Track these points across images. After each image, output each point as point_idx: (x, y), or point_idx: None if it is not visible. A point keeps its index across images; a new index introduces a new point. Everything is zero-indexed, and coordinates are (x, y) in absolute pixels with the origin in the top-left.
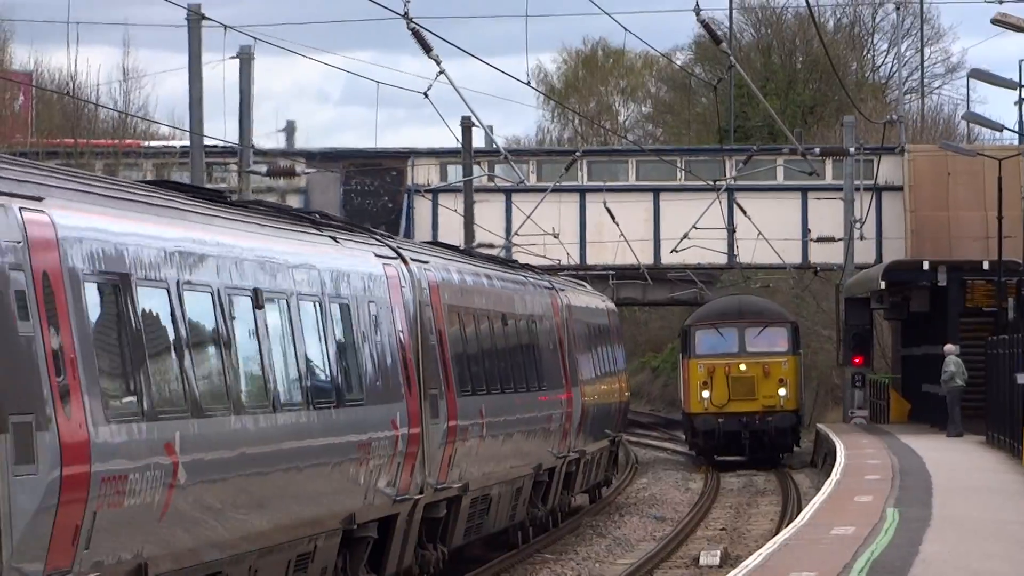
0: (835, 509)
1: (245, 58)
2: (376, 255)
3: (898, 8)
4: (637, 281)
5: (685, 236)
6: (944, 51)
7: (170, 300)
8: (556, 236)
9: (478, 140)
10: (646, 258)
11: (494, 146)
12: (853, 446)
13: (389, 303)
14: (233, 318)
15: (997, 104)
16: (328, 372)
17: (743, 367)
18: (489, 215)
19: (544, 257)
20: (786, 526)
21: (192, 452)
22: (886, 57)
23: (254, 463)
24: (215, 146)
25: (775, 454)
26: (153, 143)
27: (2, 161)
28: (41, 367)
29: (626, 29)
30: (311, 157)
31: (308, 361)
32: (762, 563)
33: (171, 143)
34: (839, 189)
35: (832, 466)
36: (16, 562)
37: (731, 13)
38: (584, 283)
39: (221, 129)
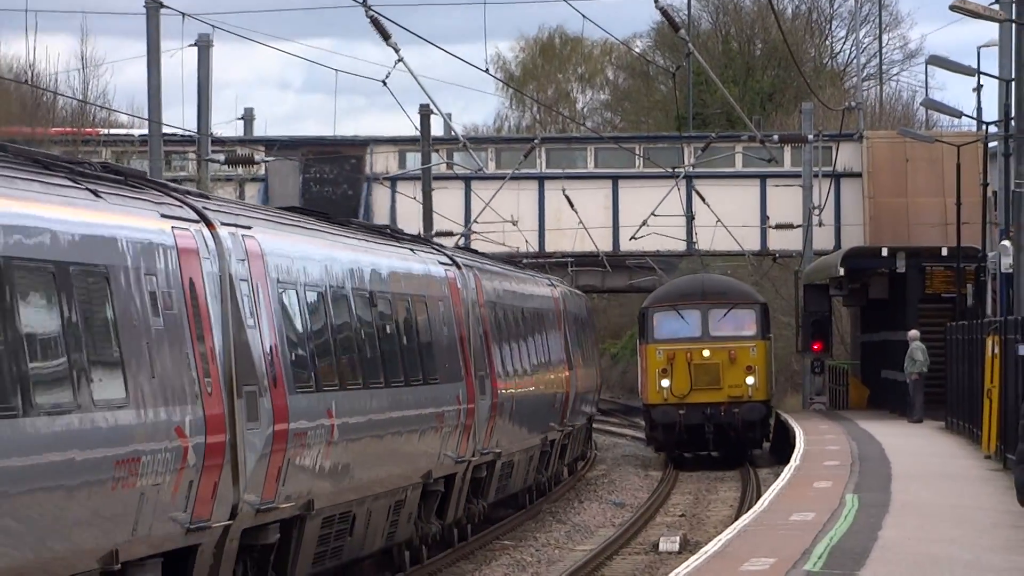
0: (794, 495)
1: (203, 46)
2: (440, 262)
3: None
4: (596, 268)
5: (644, 223)
6: (902, 38)
7: (323, 301)
8: (515, 223)
9: (437, 128)
10: (605, 245)
11: (452, 134)
12: (812, 432)
13: (451, 300)
14: (358, 313)
15: (955, 90)
16: (417, 355)
17: (706, 353)
18: (448, 203)
19: (503, 244)
20: (745, 512)
21: (342, 417)
22: (844, 44)
23: (374, 427)
24: (174, 134)
25: (743, 450)
26: (112, 131)
27: (228, 202)
28: (258, 352)
29: (584, 16)
30: (270, 145)
31: (405, 346)
32: (721, 549)
33: (130, 131)
34: (798, 176)
35: (791, 452)
36: (246, 495)
37: (689, 0)
38: (523, 269)
39: (180, 117)
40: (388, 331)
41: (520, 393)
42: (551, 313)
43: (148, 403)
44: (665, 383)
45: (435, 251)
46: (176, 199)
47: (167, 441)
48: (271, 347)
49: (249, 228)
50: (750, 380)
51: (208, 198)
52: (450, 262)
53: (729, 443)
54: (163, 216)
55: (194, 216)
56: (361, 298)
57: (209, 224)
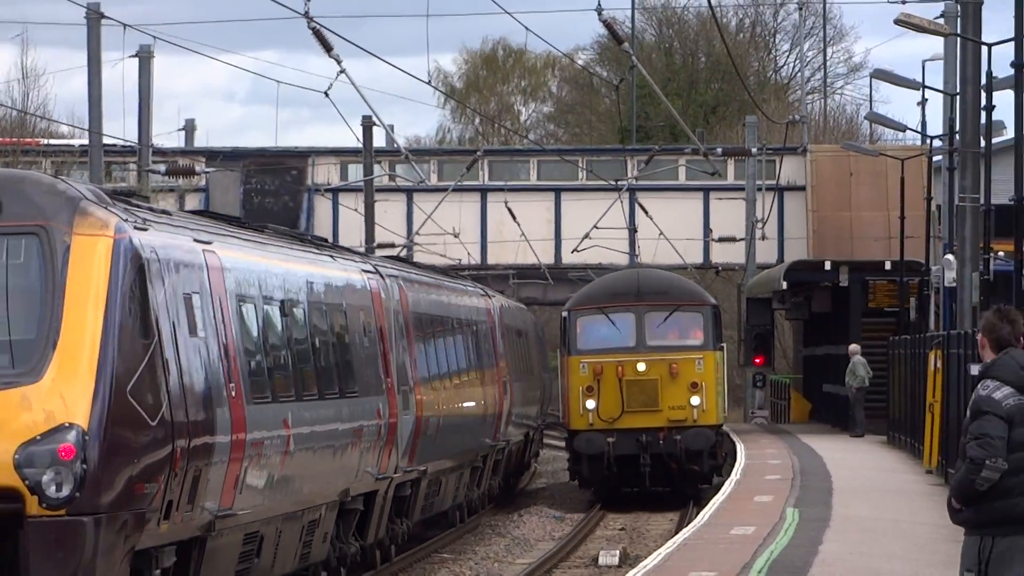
0: (735, 509)
1: (144, 57)
2: (362, 270)
3: (800, 8)
4: (538, 281)
5: (586, 236)
6: (847, 51)
7: (282, 312)
8: (457, 236)
9: (379, 140)
10: (547, 258)
11: (395, 146)
12: (754, 446)
13: (372, 310)
14: (310, 323)
15: (900, 104)
16: (334, 367)
17: (641, 367)
18: (390, 215)
19: (444, 256)
20: (686, 526)
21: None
22: (788, 57)
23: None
24: (115, 145)
25: (687, 486)
26: (53, 141)
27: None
28: (403, 362)
29: (527, 28)
30: (211, 156)
31: (320, 357)
32: (661, 563)
33: (71, 142)
34: (741, 189)
35: (732, 465)
36: (400, 463)
37: (633, 13)
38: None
39: (122, 128)
40: (300, 341)
41: (448, 408)
42: (484, 325)
43: (368, 392)
44: (590, 404)
45: (356, 259)
46: (359, 256)
47: (374, 419)
48: (414, 357)
49: (397, 276)
50: (695, 400)
51: (366, 255)
52: (372, 271)
53: (670, 477)
54: (363, 271)
55: (372, 268)
56: (273, 307)
57: (381, 275)
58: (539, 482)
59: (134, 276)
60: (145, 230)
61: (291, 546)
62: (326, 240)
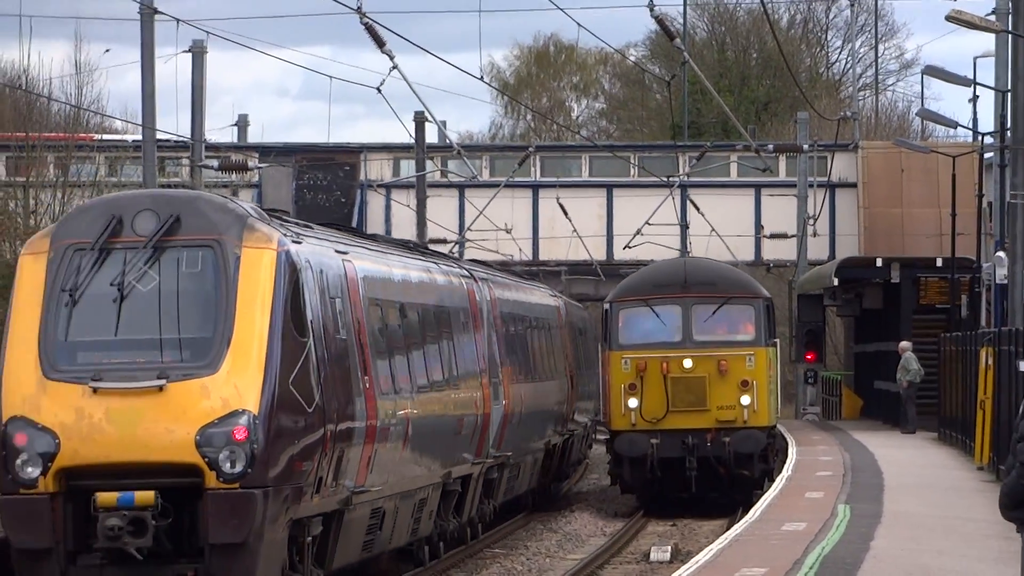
0: (786, 505)
1: (197, 52)
2: (459, 274)
3: (852, 5)
4: (590, 277)
5: (638, 232)
6: (898, 48)
7: (401, 313)
8: (509, 231)
9: (431, 135)
10: (599, 254)
11: (447, 141)
12: (805, 442)
13: (470, 311)
14: (423, 323)
15: (951, 101)
16: (447, 363)
17: (688, 363)
18: (442, 210)
19: (497, 252)
20: (738, 522)
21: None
22: (840, 53)
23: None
24: (168, 140)
25: (737, 492)
26: (106, 137)
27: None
28: (484, 353)
29: (579, 24)
30: (264, 152)
31: (439, 354)
32: (712, 559)
33: (124, 137)
34: (793, 185)
35: (783, 463)
36: (491, 449)
37: (685, 9)
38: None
39: (175, 124)
40: (416, 339)
41: (528, 399)
42: (554, 323)
43: (466, 386)
44: (633, 403)
45: (453, 264)
46: (455, 262)
47: (472, 410)
48: (503, 353)
49: (488, 279)
50: (745, 399)
51: (460, 260)
52: (468, 275)
53: (718, 482)
54: (459, 275)
55: (467, 272)
56: (395, 309)
57: (474, 279)
58: (591, 477)
59: (292, 283)
60: (299, 243)
61: (405, 521)
62: (426, 247)
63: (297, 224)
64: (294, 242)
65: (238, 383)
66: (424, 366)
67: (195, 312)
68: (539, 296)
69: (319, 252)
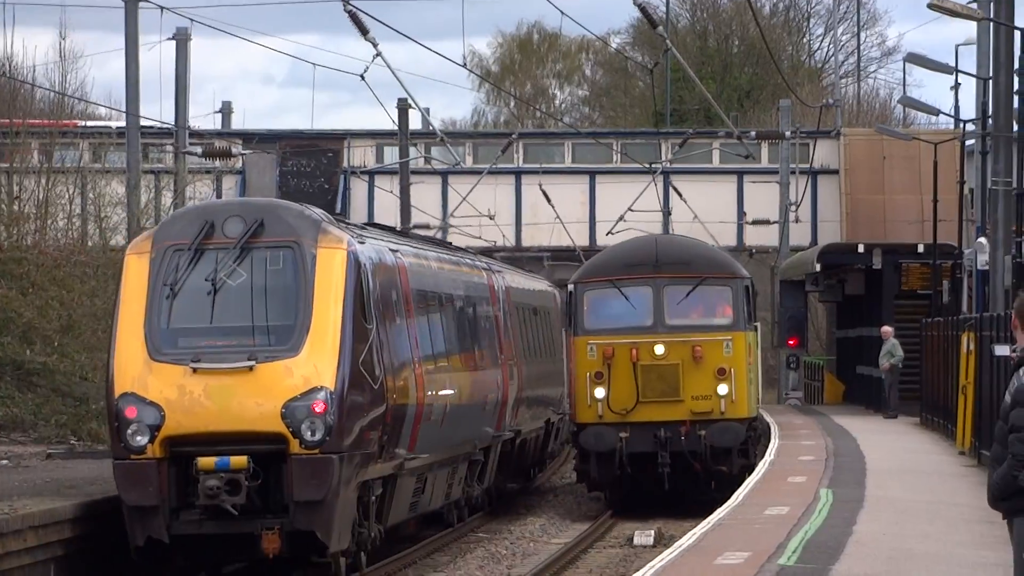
0: (769, 490)
1: (181, 39)
2: (480, 267)
3: None
4: (572, 263)
5: (621, 218)
6: (880, 35)
7: (439, 303)
8: (492, 218)
9: (415, 122)
10: (582, 240)
11: (430, 128)
12: (787, 427)
13: (490, 300)
14: (457, 312)
15: (933, 88)
16: (476, 345)
17: (660, 349)
18: (426, 197)
19: (480, 238)
20: (720, 506)
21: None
22: (822, 41)
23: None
24: (152, 127)
25: (714, 489)
26: (90, 123)
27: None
28: (505, 338)
29: (562, 12)
30: (248, 138)
31: (472, 338)
32: (696, 543)
33: (108, 124)
34: (775, 172)
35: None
36: (508, 424)
37: None
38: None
39: (159, 111)
40: (452, 325)
41: (534, 380)
42: (552, 311)
43: (491, 367)
44: (600, 393)
45: (473, 258)
46: (472, 255)
47: (494, 388)
48: (516, 338)
49: (500, 272)
50: (723, 389)
51: (476, 254)
52: (486, 267)
53: (693, 480)
54: (481, 268)
55: (485, 266)
56: (435, 299)
57: (491, 271)
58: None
59: (359, 278)
60: (363, 243)
61: (442, 487)
62: (449, 243)
63: (356, 226)
64: (359, 242)
65: (317, 364)
66: (459, 349)
67: (278, 303)
68: (540, 284)
69: (378, 250)
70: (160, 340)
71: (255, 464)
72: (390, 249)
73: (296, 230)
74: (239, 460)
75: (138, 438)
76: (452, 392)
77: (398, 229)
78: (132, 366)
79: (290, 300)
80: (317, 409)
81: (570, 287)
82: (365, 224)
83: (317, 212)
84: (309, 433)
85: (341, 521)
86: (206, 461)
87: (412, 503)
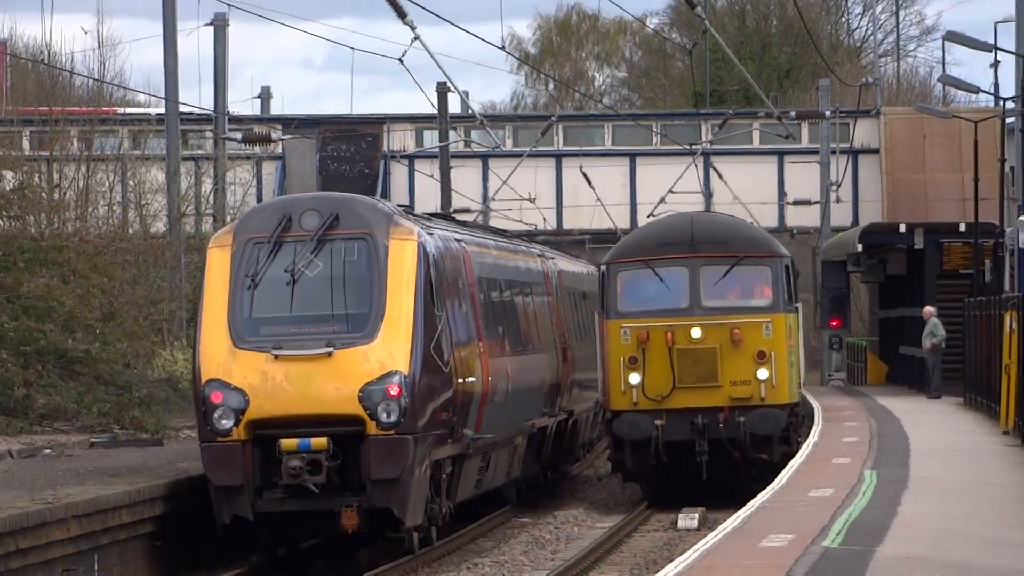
0: (813, 471)
1: (219, 25)
2: (536, 255)
3: None
4: (613, 246)
5: (662, 200)
6: (919, 14)
7: (500, 290)
8: (532, 201)
9: (454, 106)
10: (623, 222)
11: (470, 111)
12: (831, 408)
13: (544, 286)
14: (517, 298)
15: (973, 66)
16: (536, 330)
17: (696, 332)
18: (466, 180)
19: (521, 222)
20: (764, 489)
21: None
22: (861, 20)
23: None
24: (191, 113)
25: (754, 476)
26: (129, 110)
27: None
28: (563, 325)
29: None
30: (287, 124)
31: (531, 323)
32: (740, 526)
33: (147, 110)
34: (815, 152)
35: (809, 429)
36: (562, 404)
37: None
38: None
39: (198, 97)
40: (513, 311)
41: (584, 362)
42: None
43: (548, 351)
44: (635, 379)
45: (528, 246)
46: (526, 242)
47: (551, 371)
48: (568, 323)
49: (553, 258)
50: (762, 373)
51: (531, 241)
52: (540, 255)
53: (732, 468)
54: (538, 256)
55: (540, 253)
56: (497, 286)
57: (544, 258)
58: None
59: (429, 267)
60: (432, 234)
61: (504, 465)
62: (503, 230)
63: (423, 217)
64: (428, 233)
65: (391, 349)
66: (519, 332)
67: (354, 292)
68: (586, 268)
69: (445, 240)
70: (243, 329)
71: (334, 445)
72: (455, 239)
73: (369, 222)
74: (319, 441)
75: (224, 422)
76: (513, 374)
77: (454, 218)
78: (217, 354)
79: (364, 289)
80: (392, 392)
81: (602, 268)
82: (430, 215)
83: (389, 205)
84: (385, 415)
85: (415, 498)
86: (289, 442)
87: (477, 481)
